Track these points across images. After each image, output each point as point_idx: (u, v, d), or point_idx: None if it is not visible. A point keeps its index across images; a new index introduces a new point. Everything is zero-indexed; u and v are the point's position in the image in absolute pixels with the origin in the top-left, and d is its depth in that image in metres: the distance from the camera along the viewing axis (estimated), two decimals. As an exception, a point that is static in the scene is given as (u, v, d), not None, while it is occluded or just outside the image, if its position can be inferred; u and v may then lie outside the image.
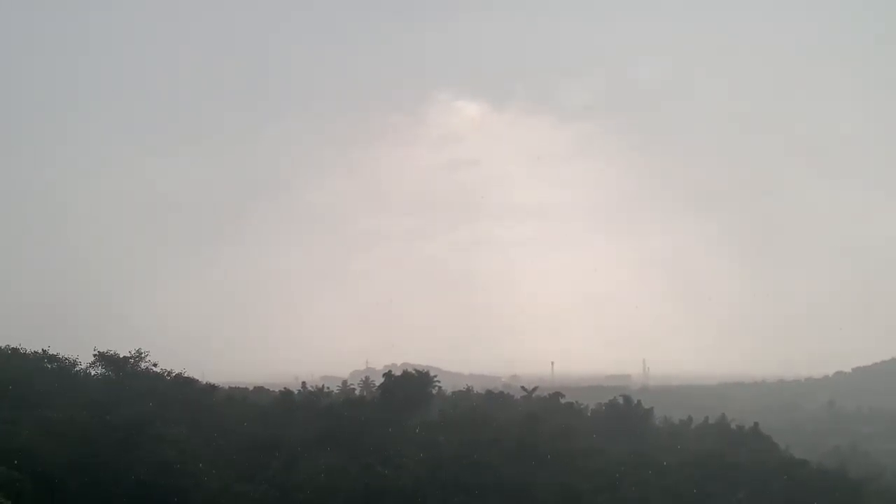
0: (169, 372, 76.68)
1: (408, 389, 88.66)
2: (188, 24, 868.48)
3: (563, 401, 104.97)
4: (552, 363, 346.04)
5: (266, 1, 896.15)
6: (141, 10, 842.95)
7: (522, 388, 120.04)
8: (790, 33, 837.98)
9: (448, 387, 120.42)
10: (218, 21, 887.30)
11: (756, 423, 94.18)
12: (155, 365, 76.45)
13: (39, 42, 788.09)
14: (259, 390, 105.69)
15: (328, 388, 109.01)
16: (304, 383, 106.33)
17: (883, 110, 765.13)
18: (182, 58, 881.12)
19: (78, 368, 76.34)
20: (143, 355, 76.22)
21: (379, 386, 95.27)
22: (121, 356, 75.70)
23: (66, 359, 76.50)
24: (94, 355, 75.76)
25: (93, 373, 76.22)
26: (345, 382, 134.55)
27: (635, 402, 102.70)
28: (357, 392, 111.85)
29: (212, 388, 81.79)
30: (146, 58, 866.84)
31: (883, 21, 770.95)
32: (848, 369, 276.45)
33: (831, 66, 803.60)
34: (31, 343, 77.31)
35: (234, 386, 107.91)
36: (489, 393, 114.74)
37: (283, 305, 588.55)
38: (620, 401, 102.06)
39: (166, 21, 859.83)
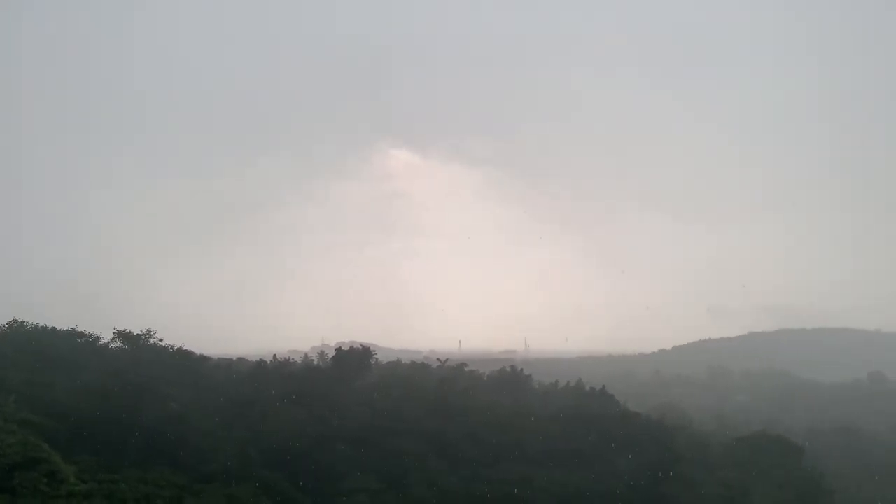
0: (172, 346, 74.72)
1: (353, 360, 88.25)
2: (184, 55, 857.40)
3: (467, 369, 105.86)
4: (460, 342, 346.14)
5: (260, 56, 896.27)
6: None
7: (438, 359, 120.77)
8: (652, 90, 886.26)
9: (383, 359, 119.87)
10: (213, 70, 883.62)
11: (603, 386, 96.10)
12: (161, 340, 74.47)
13: (37, 50, 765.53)
14: (240, 360, 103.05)
15: (293, 359, 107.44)
16: (274, 355, 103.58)
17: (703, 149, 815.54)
18: (184, 95, 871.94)
19: (101, 343, 73.83)
20: (151, 333, 74.20)
21: (332, 357, 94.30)
22: (134, 333, 73.61)
23: (91, 335, 73.99)
24: (114, 333, 73.52)
25: (112, 346, 73.79)
26: (306, 355, 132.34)
27: (519, 370, 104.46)
28: (315, 362, 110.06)
29: (204, 359, 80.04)
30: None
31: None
32: (669, 347, 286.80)
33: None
34: (63, 322, 74.92)
35: (221, 357, 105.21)
36: (413, 363, 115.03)
37: (262, 296, 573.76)
38: (508, 369, 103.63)
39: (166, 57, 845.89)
